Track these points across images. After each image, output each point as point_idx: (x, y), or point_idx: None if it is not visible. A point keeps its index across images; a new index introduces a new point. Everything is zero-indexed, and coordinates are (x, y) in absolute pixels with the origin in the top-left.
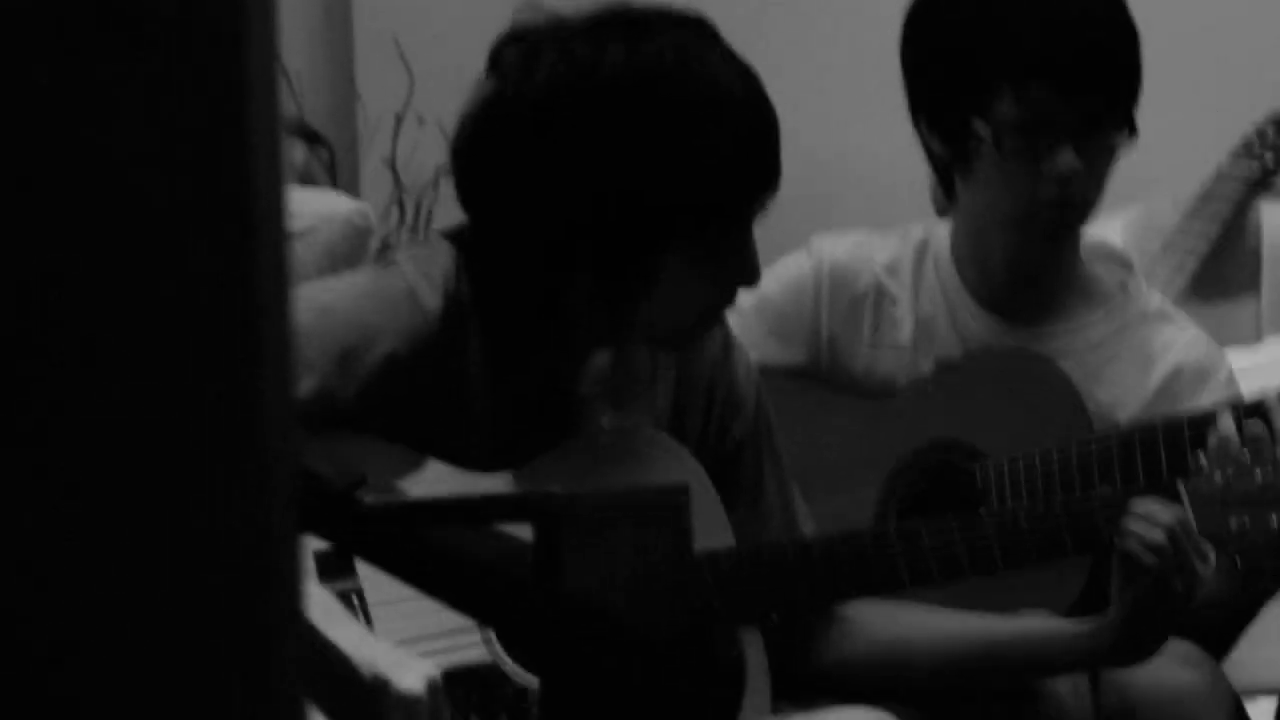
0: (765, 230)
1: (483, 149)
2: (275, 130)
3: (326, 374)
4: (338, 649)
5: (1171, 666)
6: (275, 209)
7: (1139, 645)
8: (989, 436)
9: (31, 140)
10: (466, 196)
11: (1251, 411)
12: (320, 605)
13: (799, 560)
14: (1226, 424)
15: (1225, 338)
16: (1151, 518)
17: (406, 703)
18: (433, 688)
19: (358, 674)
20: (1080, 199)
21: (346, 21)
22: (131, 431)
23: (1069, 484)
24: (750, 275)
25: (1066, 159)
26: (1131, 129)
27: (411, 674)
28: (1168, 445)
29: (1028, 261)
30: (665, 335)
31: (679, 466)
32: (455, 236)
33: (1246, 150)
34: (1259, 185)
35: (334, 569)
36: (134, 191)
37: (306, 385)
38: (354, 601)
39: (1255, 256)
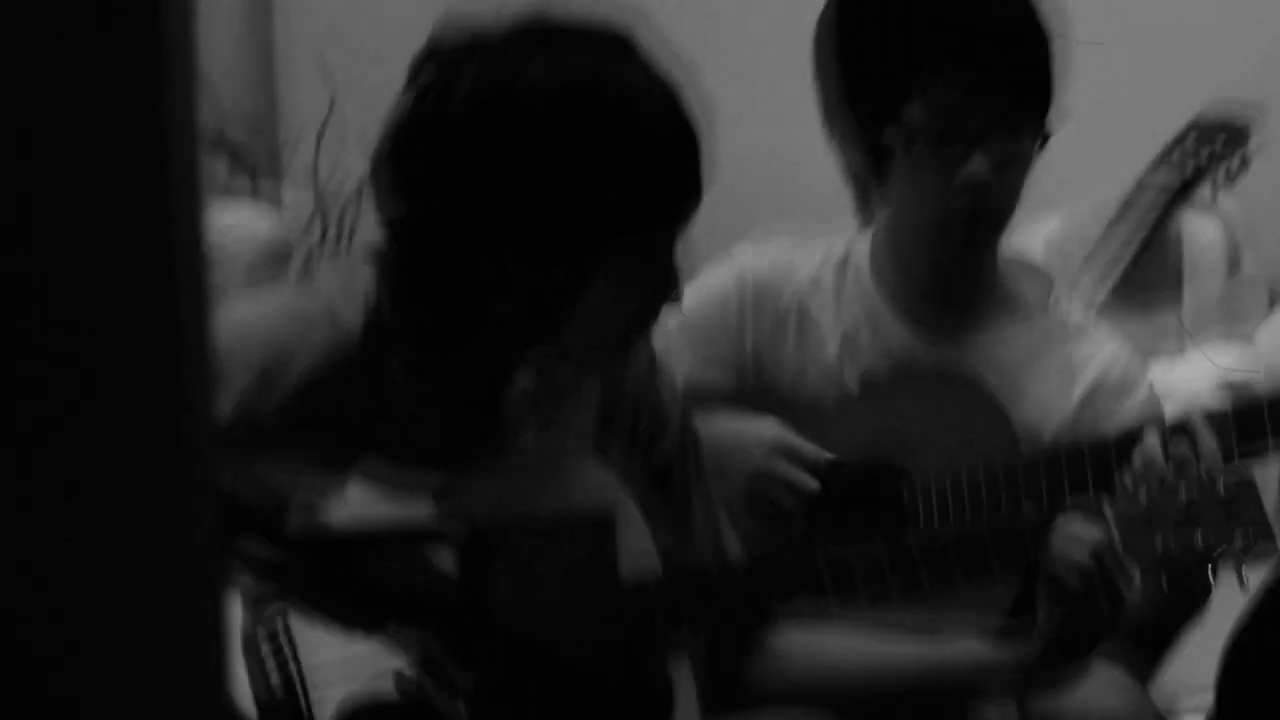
0: (692, 236)
1: (401, 165)
2: (194, 146)
3: (246, 393)
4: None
5: (1097, 690)
6: (195, 227)
7: (1065, 666)
8: (916, 454)
9: None
10: (385, 212)
11: (1176, 430)
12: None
13: (726, 583)
14: (1151, 443)
15: (1148, 349)
16: (1076, 538)
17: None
18: None
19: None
20: (994, 206)
21: (268, 33)
22: (50, 454)
23: (996, 502)
24: (675, 293)
25: (978, 166)
26: (1045, 135)
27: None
28: (1093, 464)
29: (945, 272)
30: (588, 355)
31: (605, 488)
32: (376, 254)
33: (1168, 160)
34: (1181, 195)
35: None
36: (52, 208)
37: (226, 405)
38: (279, 622)
39: (1177, 267)
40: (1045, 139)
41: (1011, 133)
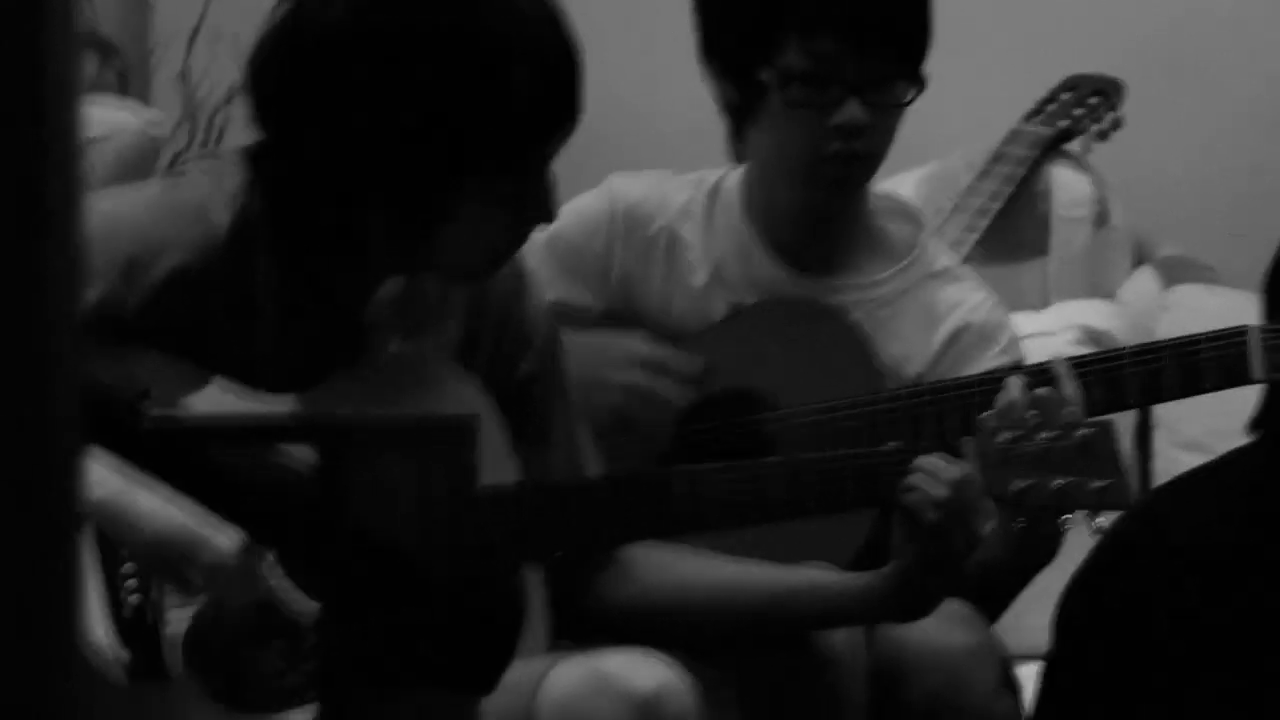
0: (561, 171)
1: (279, 73)
2: (69, 34)
3: (111, 284)
4: (144, 514)
5: (945, 626)
6: (68, 116)
7: (916, 601)
8: (780, 384)
9: None
10: (260, 117)
11: (1039, 376)
12: (120, 475)
13: (582, 499)
14: (1015, 386)
15: (1012, 301)
16: (935, 473)
17: (217, 563)
18: (247, 549)
19: (166, 538)
20: (865, 152)
21: None
22: None
23: (857, 437)
24: (546, 213)
25: (851, 111)
26: (919, 83)
27: (214, 544)
28: (956, 404)
29: (814, 212)
30: (457, 270)
31: (467, 398)
32: (249, 153)
33: (1040, 113)
34: (1051, 149)
35: None
36: None
37: (90, 295)
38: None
39: (1045, 220)
40: (920, 87)
41: (886, 80)
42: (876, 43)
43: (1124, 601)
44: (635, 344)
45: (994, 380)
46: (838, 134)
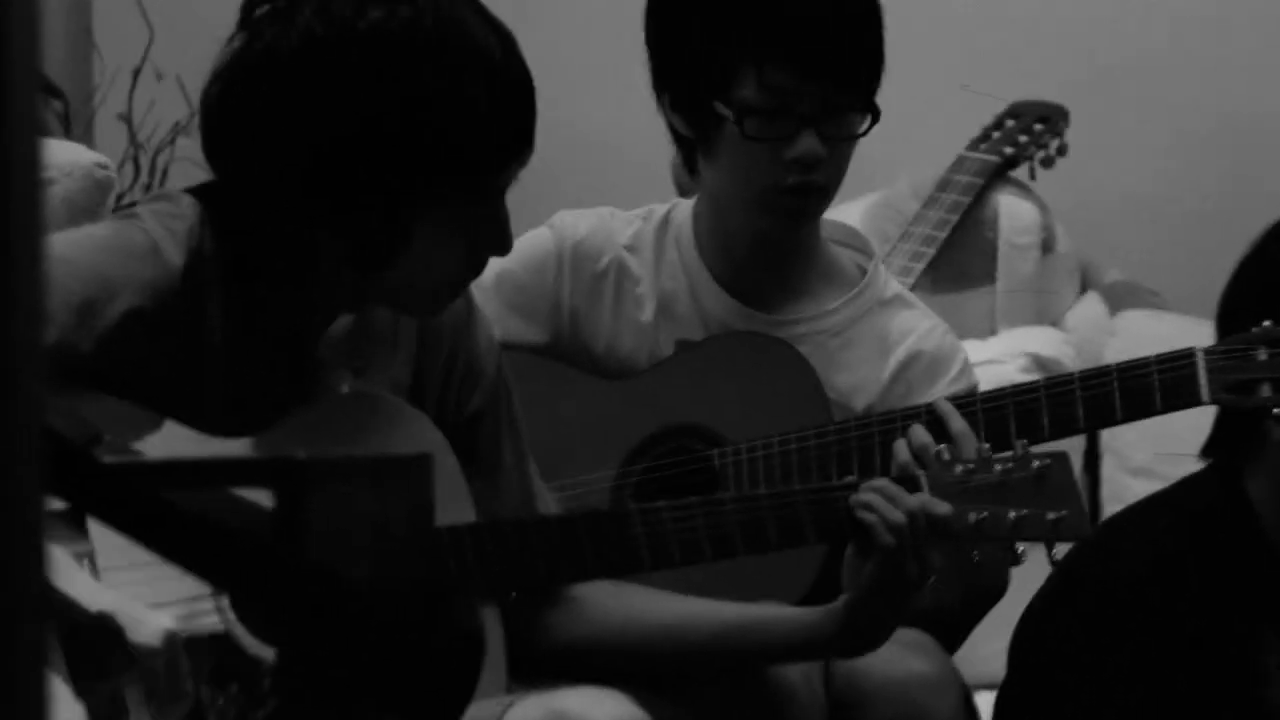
0: (511, 204)
1: (233, 105)
2: (32, 78)
3: (65, 327)
4: (72, 601)
5: (903, 655)
6: (30, 161)
7: (866, 633)
8: (728, 421)
9: None
10: (215, 152)
11: (989, 406)
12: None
13: (537, 537)
14: (964, 417)
15: (960, 329)
16: (896, 499)
17: (142, 655)
18: (170, 641)
19: (92, 626)
20: (821, 184)
21: None
22: None
23: (806, 471)
24: (501, 245)
25: (807, 144)
26: (874, 114)
27: (147, 627)
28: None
29: (769, 244)
30: (412, 302)
31: (421, 435)
32: (201, 192)
33: (985, 140)
34: (997, 176)
35: (66, 530)
36: None
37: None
38: (85, 565)
39: (991, 248)
40: (873, 117)
41: (841, 112)
42: (831, 75)
43: (1077, 631)
44: None
45: (946, 411)
46: (794, 167)
